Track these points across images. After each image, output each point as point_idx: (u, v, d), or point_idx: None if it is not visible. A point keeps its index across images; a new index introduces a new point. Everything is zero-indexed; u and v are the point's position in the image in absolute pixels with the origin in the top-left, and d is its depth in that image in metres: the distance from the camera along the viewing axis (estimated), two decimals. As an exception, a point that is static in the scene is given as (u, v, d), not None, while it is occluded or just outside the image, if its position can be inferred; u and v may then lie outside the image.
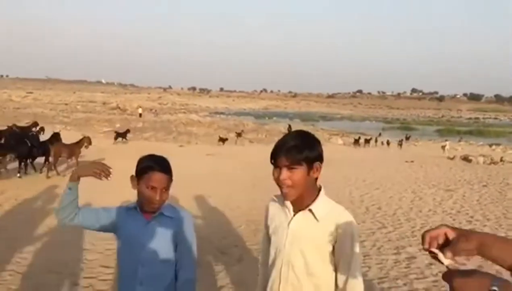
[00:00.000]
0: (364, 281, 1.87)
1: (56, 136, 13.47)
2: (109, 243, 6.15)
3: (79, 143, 12.86)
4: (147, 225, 2.13)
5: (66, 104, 66.34)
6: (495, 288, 1.04)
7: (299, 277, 1.84)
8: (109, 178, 2.10)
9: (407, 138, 35.11)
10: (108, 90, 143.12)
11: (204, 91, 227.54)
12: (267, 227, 2.04)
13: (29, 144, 11.64)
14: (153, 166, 2.08)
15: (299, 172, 1.77)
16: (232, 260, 5.61)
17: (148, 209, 2.11)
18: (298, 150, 1.76)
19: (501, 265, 1.18)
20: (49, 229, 6.66)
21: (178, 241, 2.16)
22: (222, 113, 77.49)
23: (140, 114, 46.67)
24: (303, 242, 1.82)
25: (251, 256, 5.76)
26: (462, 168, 17.23)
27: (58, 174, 11.63)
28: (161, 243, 2.13)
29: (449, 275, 1.12)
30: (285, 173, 1.77)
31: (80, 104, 67.67)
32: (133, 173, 2.14)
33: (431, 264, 5.70)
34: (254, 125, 43.05)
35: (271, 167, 1.84)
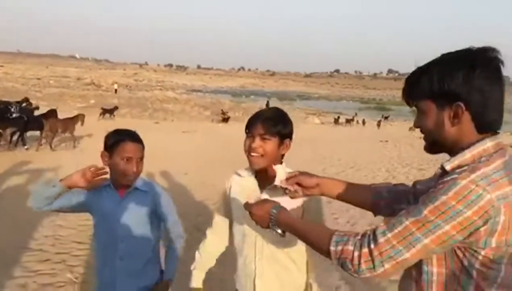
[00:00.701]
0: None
1: (52, 112, 13.89)
2: (81, 219, 6.06)
3: (73, 119, 13.14)
4: (122, 201, 2.09)
5: (38, 79, 64.55)
6: (274, 210, 1.47)
7: (273, 250, 1.90)
8: (106, 176, 2.04)
9: (386, 118, 35.43)
10: (82, 66, 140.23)
11: (181, 68, 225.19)
12: (227, 202, 2.06)
13: (25, 119, 12.03)
14: (124, 138, 2.04)
15: (271, 143, 1.86)
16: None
17: (124, 182, 2.06)
18: (274, 122, 1.86)
19: (337, 198, 1.65)
20: (21, 205, 6.51)
21: (159, 214, 2.16)
22: (199, 91, 76.83)
23: (116, 90, 45.90)
24: None
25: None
26: (435, 147, 17.49)
27: (51, 147, 12.00)
28: (138, 218, 2.10)
29: (247, 205, 1.57)
30: (258, 141, 1.86)
31: (53, 79, 65.93)
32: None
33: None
34: (231, 103, 42.86)
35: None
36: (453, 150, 1.26)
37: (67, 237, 5.40)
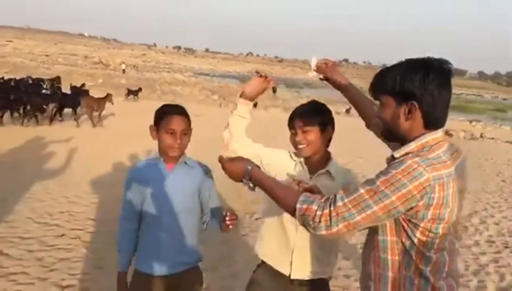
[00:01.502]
0: (349, 245, 2.06)
1: (86, 91, 14.91)
2: (94, 196, 6.18)
3: (105, 99, 13.79)
4: (169, 174, 2.15)
5: (47, 55, 64.39)
6: (249, 167, 1.65)
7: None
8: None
9: None
10: (91, 44, 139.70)
11: (189, 51, 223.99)
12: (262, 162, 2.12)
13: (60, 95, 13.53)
14: (169, 111, 2.11)
15: (313, 133, 2.05)
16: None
17: (170, 154, 2.11)
18: (310, 114, 2.06)
19: (348, 100, 2.12)
20: (36, 179, 6.60)
21: (201, 189, 2.21)
22: (207, 74, 76.44)
23: (124, 70, 45.80)
24: None
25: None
26: (443, 141, 17.47)
27: (94, 124, 12.77)
28: (183, 191, 2.16)
29: (221, 160, 1.71)
30: (300, 134, 2.05)
31: (62, 56, 65.81)
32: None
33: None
34: (238, 88, 42.71)
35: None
36: (404, 139, 1.53)
37: (81, 214, 5.48)
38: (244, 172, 1.66)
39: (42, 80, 16.54)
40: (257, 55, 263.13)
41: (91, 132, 11.87)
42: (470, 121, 32.72)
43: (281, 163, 2.13)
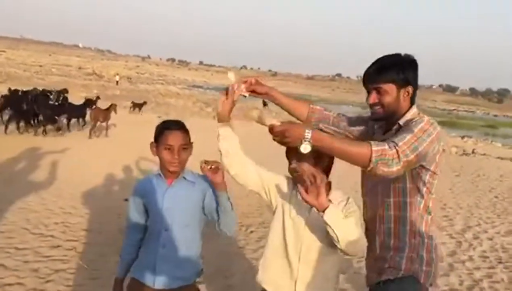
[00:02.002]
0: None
1: (92, 102, 14.84)
2: (90, 207, 6.16)
3: (110, 109, 13.95)
4: (169, 189, 2.16)
5: (40, 66, 64.28)
6: (308, 129, 1.76)
7: (314, 258, 2.05)
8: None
9: None
10: (85, 55, 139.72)
11: (183, 63, 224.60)
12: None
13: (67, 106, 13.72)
14: (166, 126, 2.13)
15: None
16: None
17: (170, 169, 2.13)
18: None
19: (280, 107, 2.27)
20: (32, 189, 6.58)
21: (209, 204, 2.17)
22: (200, 87, 76.68)
23: (117, 82, 45.79)
24: None
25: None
26: (435, 157, 17.56)
27: (90, 136, 12.65)
28: (183, 206, 2.16)
29: (274, 127, 1.80)
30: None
31: (55, 67, 65.72)
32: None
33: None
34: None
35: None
36: (396, 117, 2.02)
37: (76, 225, 5.46)
38: (304, 135, 1.74)
39: (50, 91, 16.69)
40: (251, 68, 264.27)
41: (87, 143, 11.83)
42: (462, 137, 32.92)
43: (279, 187, 2.14)
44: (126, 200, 2.90)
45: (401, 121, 2.00)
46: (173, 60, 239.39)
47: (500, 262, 5.71)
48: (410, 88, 2.01)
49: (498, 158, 19.27)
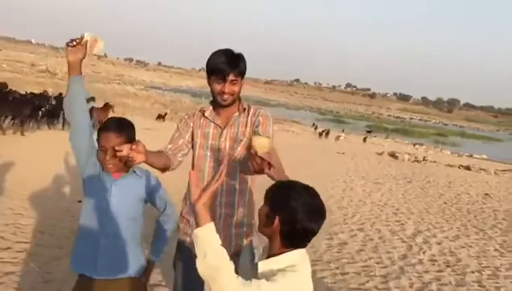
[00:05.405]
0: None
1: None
2: (41, 208, 5.97)
3: (107, 109, 14.18)
4: (116, 181, 2.18)
5: (-11, 61, 61.60)
6: None
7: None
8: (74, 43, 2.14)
9: (369, 132, 36.38)
10: (38, 52, 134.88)
11: (141, 63, 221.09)
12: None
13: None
14: (102, 127, 2.16)
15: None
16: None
17: (106, 169, 2.15)
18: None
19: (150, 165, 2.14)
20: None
21: (153, 199, 2.31)
22: (158, 88, 75.80)
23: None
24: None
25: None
26: (389, 163, 18.16)
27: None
28: (128, 200, 2.21)
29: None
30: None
31: (6, 63, 63.19)
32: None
33: (361, 250, 6.05)
34: (191, 103, 42.56)
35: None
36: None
37: (27, 226, 5.28)
38: None
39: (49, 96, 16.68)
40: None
41: (37, 143, 11.44)
42: (414, 145, 34.07)
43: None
44: (80, 201, 2.86)
45: None
46: (130, 60, 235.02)
47: (448, 266, 5.95)
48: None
49: (447, 165, 20.09)
